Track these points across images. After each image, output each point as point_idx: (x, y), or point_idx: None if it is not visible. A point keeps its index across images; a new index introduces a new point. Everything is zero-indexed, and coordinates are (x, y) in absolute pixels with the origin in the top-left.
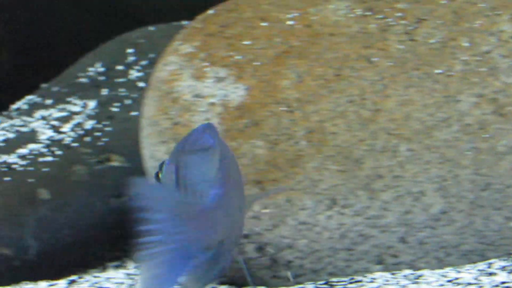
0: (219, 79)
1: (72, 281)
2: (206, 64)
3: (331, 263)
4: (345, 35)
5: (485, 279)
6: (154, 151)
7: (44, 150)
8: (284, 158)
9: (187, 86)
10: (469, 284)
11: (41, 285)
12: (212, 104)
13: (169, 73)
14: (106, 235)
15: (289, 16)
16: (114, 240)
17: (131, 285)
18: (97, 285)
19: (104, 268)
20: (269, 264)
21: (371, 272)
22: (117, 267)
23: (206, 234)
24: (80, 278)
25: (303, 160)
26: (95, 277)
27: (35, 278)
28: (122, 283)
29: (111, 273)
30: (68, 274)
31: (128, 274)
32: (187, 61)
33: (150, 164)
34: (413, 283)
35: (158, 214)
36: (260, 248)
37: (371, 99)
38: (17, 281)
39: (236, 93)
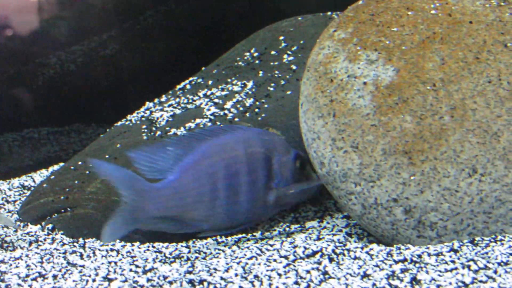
0: (371, 62)
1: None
2: (359, 48)
3: (471, 224)
4: (483, 22)
5: None
6: (311, 125)
7: (209, 124)
8: (429, 131)
9: (342, 67)
10: None
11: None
12: (365, 83)
13: (325, 56)
14: None
15: (432, 5)
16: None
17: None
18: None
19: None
20: (415, 225)
21: (507, 233)
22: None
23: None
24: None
25: (447, 133)
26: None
27: None
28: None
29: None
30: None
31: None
32: (342, 46)
33: (307, 136)
34: None
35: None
36: (407, 211)
37: (507, 80)
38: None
39: (386, 73)
